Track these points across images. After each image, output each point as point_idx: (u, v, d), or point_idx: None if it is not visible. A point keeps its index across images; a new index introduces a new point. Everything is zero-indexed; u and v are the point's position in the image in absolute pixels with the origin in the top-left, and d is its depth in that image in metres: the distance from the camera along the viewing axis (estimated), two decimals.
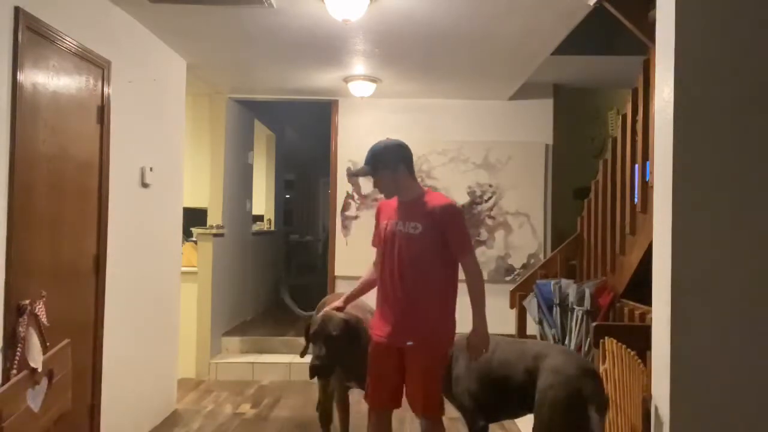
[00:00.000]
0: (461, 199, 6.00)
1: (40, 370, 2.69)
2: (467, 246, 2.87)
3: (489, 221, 6.08)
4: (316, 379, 3.30)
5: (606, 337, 3.04)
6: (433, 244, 2.81)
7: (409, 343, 2.81)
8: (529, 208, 6.09)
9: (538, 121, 6.11)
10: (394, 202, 2.97)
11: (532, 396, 2.76)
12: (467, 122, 6.14)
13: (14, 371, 2.58)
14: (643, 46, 3.66)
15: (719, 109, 1.94)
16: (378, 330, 2.92)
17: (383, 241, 2.93)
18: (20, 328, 2.65)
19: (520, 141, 6.08)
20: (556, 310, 4.51)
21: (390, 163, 2.89)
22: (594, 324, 3.48)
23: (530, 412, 2.84)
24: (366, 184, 6.17)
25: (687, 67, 1.94)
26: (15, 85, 2.69)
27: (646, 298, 3.19)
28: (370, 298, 3.15)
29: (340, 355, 3.09)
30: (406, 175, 2.91)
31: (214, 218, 5.96)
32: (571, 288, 4.44)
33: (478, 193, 6.07)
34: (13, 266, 2.69)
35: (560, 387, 2.65)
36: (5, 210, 2.66)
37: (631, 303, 3.96)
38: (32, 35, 2.82)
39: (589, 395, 2.60)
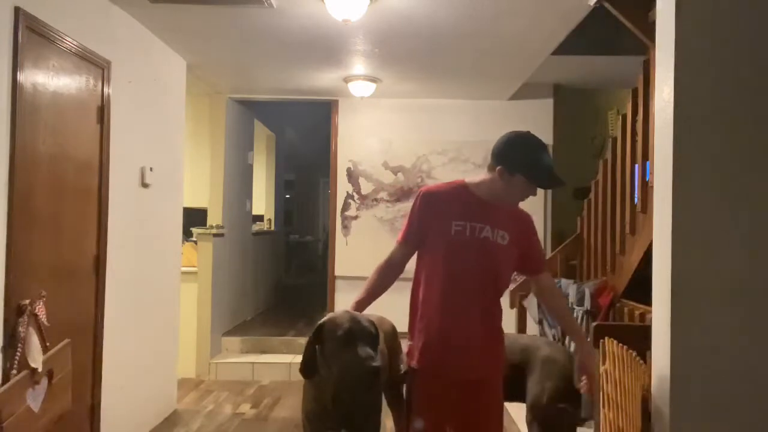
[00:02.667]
0: None
1: (40, 370, 2.69)
2: (545, 259, 2.52)
3: None
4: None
5: (606, 338, 3.04)
6: (513, 258, 2.39)
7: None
8: (529, 208, 6.06)
9: (538, 121, 6.10)
10: (463, 194, 2.36)
11: (521, 387, 2.79)
12: (467, 122, 6.14)
13: (14, 371, 2.58)
14: (643, 46, 3.66)
15: (719, 109, 1.94)
16: (441, 362, 2.29)
17: (453, 246, 2.30)
18: (20, 328, 2.65)
19: None
20: None
21: None
22: (594, 324, 3.47)
23: (517, 400, 2.88)
24: (366, 185, 6.17)
25: (687, 67, 1.94)
26: (15, 85, 2.69)
27: (646, 298, 3.19)
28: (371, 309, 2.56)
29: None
30: None
31: (214, 218, 5.97)
32: (571, 288, 4.44)
33: None
34: (13, 266, 2.69)
35: (558, 377, 2.70)
36: (5, 210, 2.66)
37: (631, 303, 3.96)
38: (32, 35, 2.82)
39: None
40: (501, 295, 2.41)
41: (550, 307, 2.52)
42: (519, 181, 2.30)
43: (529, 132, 2.36)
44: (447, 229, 2.30)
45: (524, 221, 2.45)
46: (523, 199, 2.39)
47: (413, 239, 2.39)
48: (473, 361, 2.29)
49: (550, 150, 5.90)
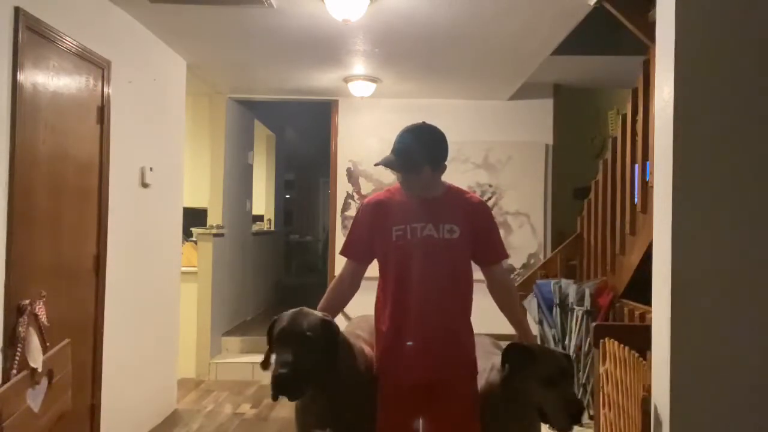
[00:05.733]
0: None
1: (40, 370, 2.69)
2: (503, 246, 2.42)
3: None
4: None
5: (606, 338, 3.04)
6: (468, 250, 2.32)
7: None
8: (529, 208, 6.09)
9: (538, 121, 6.11)
10: (400, 198, 2.36)
11: None
12: (467, 122, 6.14)
13: (14, 371, 2.58)
14: (643, 46, 3.66)
15: (719, 109, 1.93)
16: (402, 368, 2.25)
17: (397, 252, 2.28)
18: (20, 328, 2.65)
19: (520, 141, 6.08)
20: (556, 310, 4.51)
21: (445, 156, 2.36)
22: (594, 324, 3.48)
23: None
24: (366, 185, 6.17)
25: (687, 67, 1.94)
26: (15, 85, 2.69)
27: (646, 298, 3.19)
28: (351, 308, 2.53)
29: (317, 371, 2.13)
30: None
31: (214, 218, 5.97)
32: (571, 288, 4.44)
33: (478, 193, 6.07)
34: (13, 266, 2.69)
35: None
36: (5, 210, 2.66)
37: (631, 303, 3.96)
38: (32, 35, 2.82)
39: None
40: (465, 291, 2.34)
41: (499, 303, 2.39)
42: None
43: (419, 123, 2.38)
44: (388, 236, 2.28)
45: (477, 209, 2.38)
46: (419, 191, 2.33)
47: (361, 254, 2.38)
48: (433, 363, 2.24)
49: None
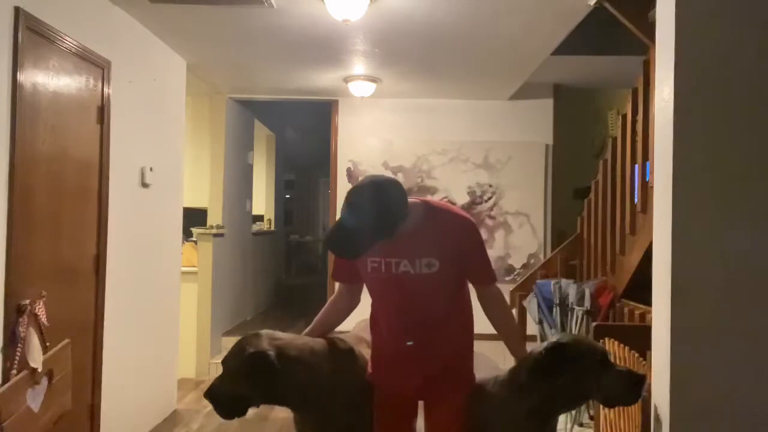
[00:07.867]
0: (461, 199, 6.01)
1: (40, 370, 2.69)
2: (492, 269, 2.25)
3: (489, 221, 6.08)
4: None
5: (606, 338, 3.04)
6: (454, 278, 2.18)
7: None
8: (529, 208, 6.09)
9: (538, 121, 6.11)
10: None
11: None
12: (467, 122, 6.14)
13: (14, 371, 2.58)
14: (643, 46, 3.66)
15: (719, 109, 1.93)
16: (389, 386, 2.25)
17: (372, 284, 2.21)
18: (20, 328, 2.65)
19: (520, 141, 6.08)
20: (556, 310, 4.51)
21: (404, 207, 2.09)
22: (594, 324, 3.48)
23: None
24: None
25: (687, 67, 1.94)
26: (15, 85, 2.69)
27: (646, 298, 3.19)
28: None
29: (244, 403, 2.36)
30: (408, 206, 2.11)
31: (214, 218, 5.97)
32: (571, 288, 4.44)
33: (478, 193, 6.07)
34: (13, 266, 2.69)
35: None
36: (5, 210, 2.66)
37: (631, 303, 3.96)
38: (32, 35, 2.82)
39: None
40: (454, 310, 2.24)
41: (490, 316, 2.24)
42: None
43: (373, 183, 2.06)
44: (364, 265, 2.16)
45: (460, 233, 2.16)
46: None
47: (350, 277, 2.29)
48: (422, 383, 2.21)
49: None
